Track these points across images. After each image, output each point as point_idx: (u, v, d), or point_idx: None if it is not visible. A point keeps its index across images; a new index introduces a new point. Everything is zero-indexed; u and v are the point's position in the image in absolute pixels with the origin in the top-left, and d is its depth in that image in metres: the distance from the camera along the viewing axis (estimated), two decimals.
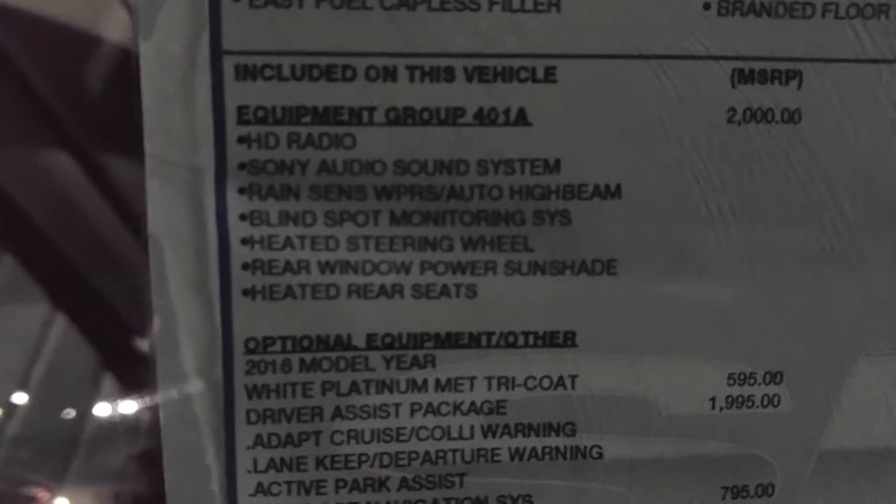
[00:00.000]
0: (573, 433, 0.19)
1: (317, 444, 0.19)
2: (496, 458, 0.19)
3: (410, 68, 0.17)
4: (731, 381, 0.19)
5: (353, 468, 0.19)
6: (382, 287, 0.18)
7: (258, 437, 0.18)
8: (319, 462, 0.19)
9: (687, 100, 0.18)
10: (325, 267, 0.18)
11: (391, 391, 0.18)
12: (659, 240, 0.18)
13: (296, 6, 0.17)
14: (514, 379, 0.19)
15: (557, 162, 0.18)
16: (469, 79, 0.17)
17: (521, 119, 0.17)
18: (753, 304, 0.19)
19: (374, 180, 0.17)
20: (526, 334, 0.18)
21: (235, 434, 0.18)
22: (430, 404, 0.19)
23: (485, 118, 0.17)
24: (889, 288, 0.19)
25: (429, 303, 0.18)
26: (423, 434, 0.19)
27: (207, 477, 0.18)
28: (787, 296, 0.19)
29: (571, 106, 0.18)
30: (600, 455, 0.19)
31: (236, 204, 0.17)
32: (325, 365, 0.18)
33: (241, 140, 0.17)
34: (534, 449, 0.19)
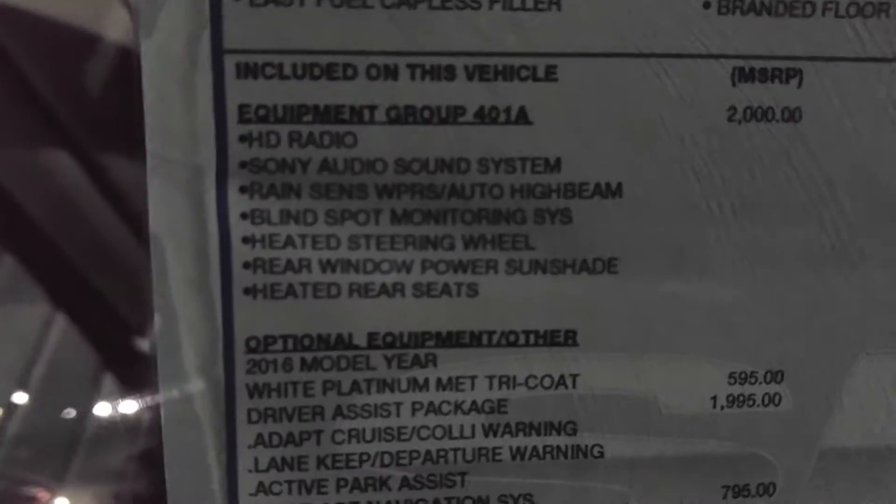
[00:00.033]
0: (574, 432, 0.19)
1: (318, 443, 0.19)
2: (497, 458, 0.19)
3: (411, 67, 0.17)
4: (732, 380, 0.19)
5: (354, 467, 0.19)
6: (383, 286, 0.18)
7: (259, 436, 0.18)
8: (320, 461, 0.19)
9: (687, 99, 0.18)
10: (327, 266, 0.18)
11: (392, 390, 0.18)
12: (660, 238, 0.18)
13: (297, 5, 0.17)
14: (514, 378, 0.19)
15: (558, 161, 0.18)
16: (470, 77, 0.17)
17: (522, 118, 0.18)
18: (754, 303, 0.19)
19: (375, 179, 0.17)
20: (527, 333, 0.18)
21: (236, 433, 0.18)
22: (431, 403, 0.19)
23: (486, 117, 0.17)
24: (889, 287, 0.19)
25: (430, 302, 0.18)
26: (424, 433, 0.19)
27: (208, 476, 0.18)
28: (787, 294, 0.19)
29: (572, 105, 0.18)
30: (601, 454, 0.19)
31: (237, 202, 0.17)
32: (327, 364, 0.18)
33: (242, 139, 0.17)
34: (535, 448, 0.19)
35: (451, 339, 0.18)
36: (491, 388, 0.19)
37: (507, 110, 0.17)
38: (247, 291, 0.18)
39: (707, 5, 0.17)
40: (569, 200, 0.18)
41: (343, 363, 0.18)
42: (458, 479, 0.19)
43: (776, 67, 0.18)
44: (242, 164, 0.17)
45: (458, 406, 0.19)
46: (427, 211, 0.18)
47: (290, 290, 0.18)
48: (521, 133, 0.18)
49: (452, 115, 0.17)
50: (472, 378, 0.19)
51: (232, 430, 0.18)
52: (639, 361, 0.19)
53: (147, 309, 0.18)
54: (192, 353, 0.18)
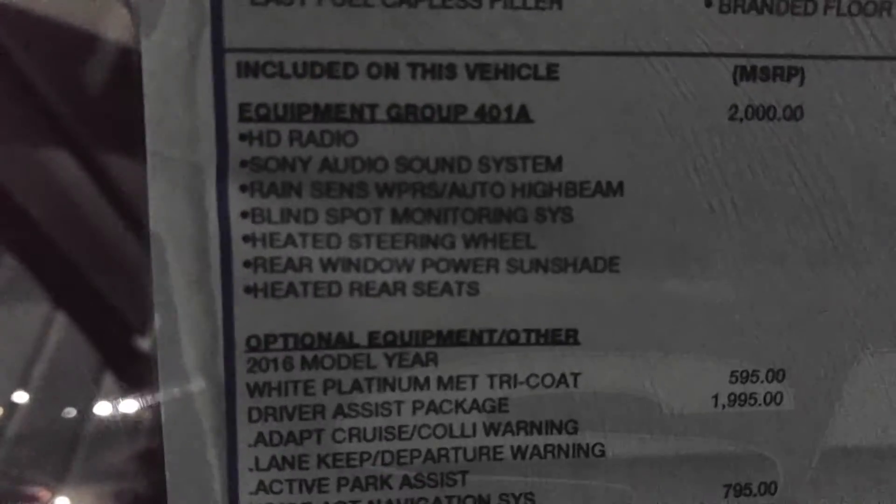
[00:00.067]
0: (575, 431, 0.19)
1: (318, 441, 0.19)
2: (498, 456, 0.19)
3: (412, 65, 0.17)
4: (734, 379, 0.19)
5: (354, 466, 0.19)
6: (384, 285, 0.18)
7: (260, 434, 0.18)
8: (321, 460, 0.19)
9: (689, 97, 0.18)
10: (327, 264, 0.18)
11: (393, 389, 0.18)
12: (661, 237, 0.18)
13: (297, 3, 0.17)
14: (516, 377, 0.19)
15: (559, 159, 0.18)
16: (471, 76, 0.17)
17: (523, 116, 0.17)
18: (756, 302, 0.19)
19: (375, 178, 0.17)
20: (528, 332, 0.18)
21: (237, 432, 0.18)
22: (431, 402, 0.19)
23: (487, 115, 0.17)
24: (891, 285, 0.19)
25: (431, 300, 0.18)
26: (424, 432, 0.19)
27: (209, 475, 0.18)
28: (789, 293, 0.19)
29: (573, 103, 0.18)
30: (602, 453, 0.19)
31: (238, 201, 0.17)
32: (327, 363, 0.18)
33: (242, 137, 0.17)
34: (536, 447, 0.19)
35: (451, 338, 0.18)
36: (492, 386, 0.19)
37: (509, 109, 0.17)
38: (247, 290, 0.18)
39: (709, 4, 0.17)
40: (570, 199, 0.18)
41: (344, 362, 0.18)
42: (458, 477, 0.19)
43: (778, 66, 0.18)
44: (243, 163, 0.17)
45: (458, 405, 0.19)
46: (428, 210, 0.18)
47: (291, 289, 0.18)
48: (523, 132, 0.18)
49: (453, 114, 0.17)
50: (473, 377, 0.19)
51: (232, 428, 0.18)
52: (640, 360, 0.19)
53: (147, 308, 0.18)
54: (192, 352, 0.18)
